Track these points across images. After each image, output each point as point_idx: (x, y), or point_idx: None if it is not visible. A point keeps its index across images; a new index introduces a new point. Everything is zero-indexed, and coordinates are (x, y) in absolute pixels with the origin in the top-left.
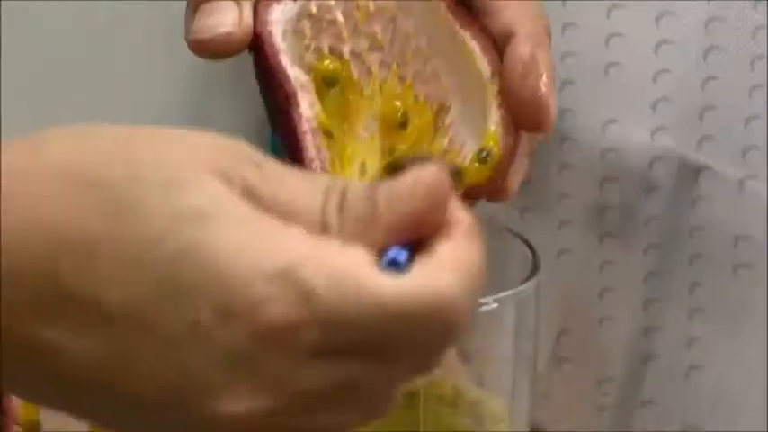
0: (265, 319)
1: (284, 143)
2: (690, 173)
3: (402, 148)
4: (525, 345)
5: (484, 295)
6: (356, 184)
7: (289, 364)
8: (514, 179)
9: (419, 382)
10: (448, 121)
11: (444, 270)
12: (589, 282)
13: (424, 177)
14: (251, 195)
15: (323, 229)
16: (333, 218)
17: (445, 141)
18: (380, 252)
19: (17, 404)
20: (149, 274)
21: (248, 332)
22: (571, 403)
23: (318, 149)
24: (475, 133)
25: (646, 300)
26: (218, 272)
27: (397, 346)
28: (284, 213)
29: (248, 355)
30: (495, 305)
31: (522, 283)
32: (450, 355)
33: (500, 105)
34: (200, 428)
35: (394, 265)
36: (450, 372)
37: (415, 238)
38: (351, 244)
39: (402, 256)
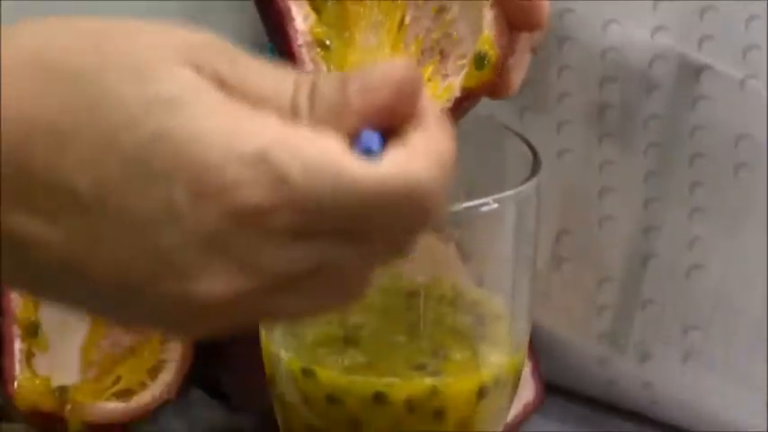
0: (240, 202)
1: (282, 58)
2: (690, 72)
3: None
4: (525, 245)
5: (484, 195)
6: (327, 75)
7: (264, 247)
8: (515, 75)
9: (419, 282)
10: (448, 19)
11: (417, 157)
12: (589, 181)
13: (394, 70)
14: (222, 84)
15: (293, 116)
16: (303, 105)
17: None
18: (352, 139)
19: (16, 305)
20: (122, 159)
21: (222, 214)
22: (571, 303)
23: (315, 62)
24: (474, 32)
25: (646, 199)
26: (191, 155)
27: (371, 231)
28: (255, 102)
29: (223, 236)
30: (496, 205)
31: (522, 183)
32: (451, 255)
33: (492, 5)
34: (175, 310)
35: (367, 152)
36: (450, 271)
37: (386, 127)
38: (322, 129)
39: (375, 143)
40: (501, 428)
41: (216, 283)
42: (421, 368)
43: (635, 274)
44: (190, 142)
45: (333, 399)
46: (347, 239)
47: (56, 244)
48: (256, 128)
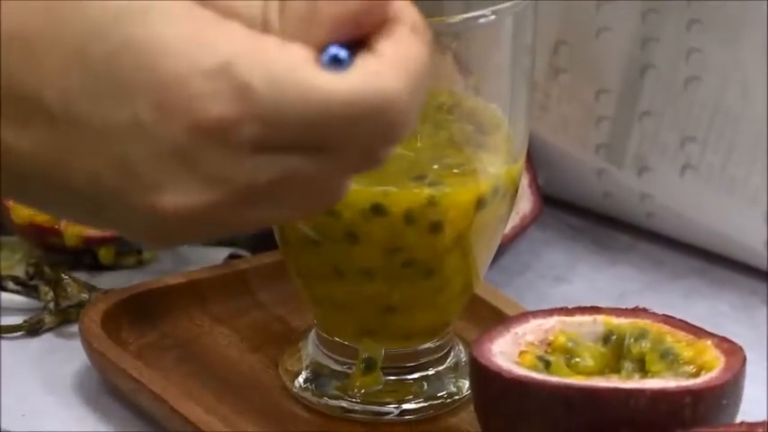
0: (203, 115)
1: None
2: None
3: None
4: (523, 56)
5: (482, 7)
6: None
7: (229, 159)
8: None
9: None
10: None
11: (386, 67)
12: None
13: None
14: None
15: (263, 29)
16: (273, 17)
17: None
18: (322, 50)
19: None
20: (89, 70)
21: (187, 127)
22: (568, 114)
23: None
24: None
25: (643, 10)
26: (156, 69)
27: (337, 143)
28: (225, 12)
29: (188, 149)
30: (493, 17)
31: None
32: (448, 67)
33: None
34: (143, 221)
35: (335, 63)
36: (448, 82)
37: (357, 37)
38: (291, 42)
39: (343, 52)
40: (498, 240)
41: (181, 197)
42: (420, 179)
43: (632, 86)
44: (155, 55)
45: (330, 210)
46: (314, 152)
47: (26, 153)
48: (221, 38)
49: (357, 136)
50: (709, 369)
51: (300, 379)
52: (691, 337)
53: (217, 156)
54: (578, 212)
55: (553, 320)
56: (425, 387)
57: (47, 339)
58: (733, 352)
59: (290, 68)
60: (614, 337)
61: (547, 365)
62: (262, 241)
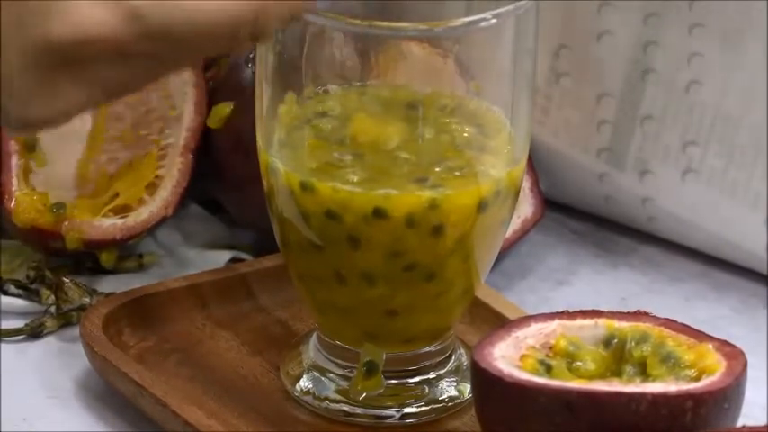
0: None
1: None
2: None
3: None
4: (524, 60)
5: (483, 11)
6: None
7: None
8: None
9: (420, 93)
10: None
11: None
12: None
13: None
14: None
15: None
16: None
17: None
18: None
19: None
20: None
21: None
22: (570, 118)
23: None
24: None
25: (645, 14)
26: None
27: None
28: None
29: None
30: (494, 21)
31: None
32: (450, 70)
33: None
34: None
35: None
36: (450, 85)
37: None
38: None
39: None
40: (500, 243)
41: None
42: (421, 182)
43: (634, 90)
44: None
45: (332, 214)
46: None
47: None
48: None
49: None
50: (711, 373)
51: (301, 383)
52: (692, 340)
53: None
54: (580, 216)
55: (554, 324)
56: (427, 391)
57: (48, 343)
58: (734, 355)
59: None
60: (615, 341)
61: (548, 369)
62: (263, 245)
